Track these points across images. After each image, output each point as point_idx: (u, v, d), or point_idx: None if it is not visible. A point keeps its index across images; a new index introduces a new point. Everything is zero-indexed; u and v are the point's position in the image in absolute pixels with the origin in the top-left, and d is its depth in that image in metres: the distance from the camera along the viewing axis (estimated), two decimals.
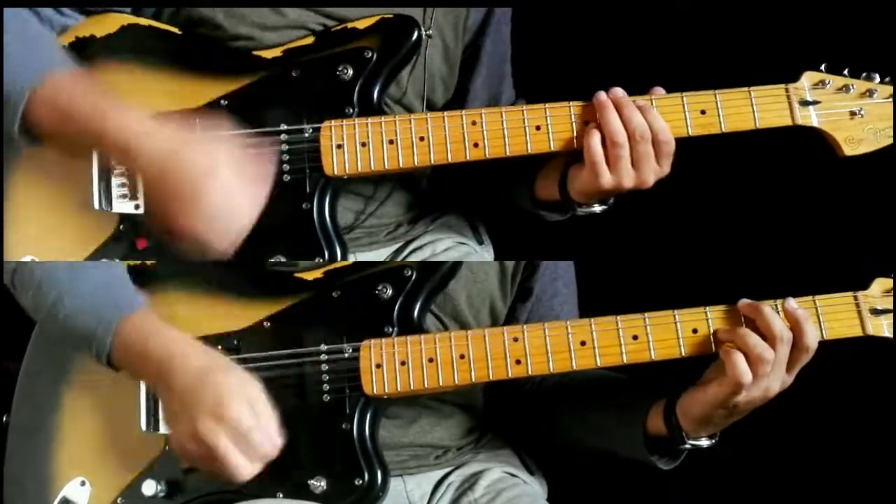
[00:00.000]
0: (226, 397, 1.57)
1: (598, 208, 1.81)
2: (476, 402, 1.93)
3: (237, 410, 1.57)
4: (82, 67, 1.72)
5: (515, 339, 1.70)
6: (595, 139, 1.72)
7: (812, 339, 1.65)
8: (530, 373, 1.70)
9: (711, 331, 1.69)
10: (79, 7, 1.78)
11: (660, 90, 1.77)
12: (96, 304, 1.68)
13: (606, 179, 1.72)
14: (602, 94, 1.74)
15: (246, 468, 1.58)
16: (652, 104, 1.74)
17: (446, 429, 1.87)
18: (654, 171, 1.73)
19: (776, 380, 1.65)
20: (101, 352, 1.65)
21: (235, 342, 1.73)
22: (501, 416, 1.97)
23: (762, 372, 1.63)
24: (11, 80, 1.64)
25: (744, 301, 1.69)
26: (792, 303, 1.68)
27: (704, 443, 1.72)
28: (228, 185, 1.60)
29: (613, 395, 1.83)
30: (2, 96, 1.64)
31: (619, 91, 1.74)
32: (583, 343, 1.70)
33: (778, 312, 1.67)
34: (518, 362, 1.70)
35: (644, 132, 1.71)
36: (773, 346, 1.63)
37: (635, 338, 1.70)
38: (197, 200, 1.59)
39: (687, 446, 1.72)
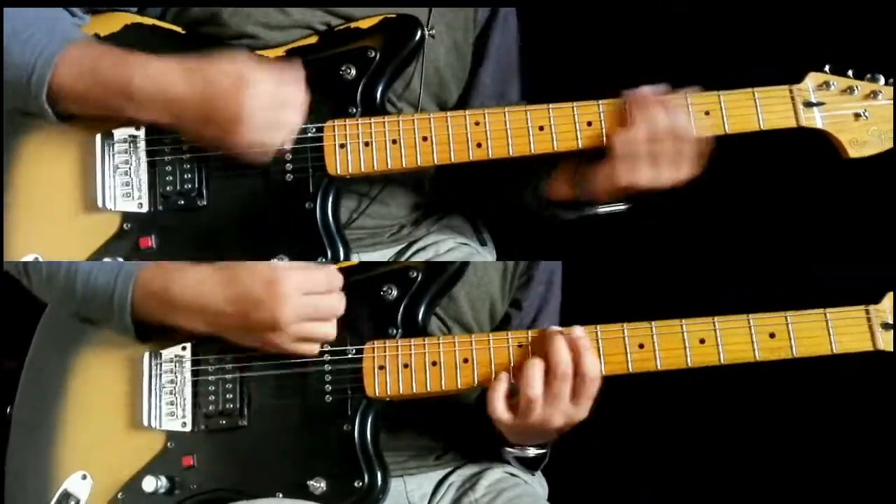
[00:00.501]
0: (275, 312, 1.63)
1: (622, 206, 1.80)
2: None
3: (289, 312, 1.63)
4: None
5: (520, 346, 1.69)
6: (632, 135, 1.71)
7: (591, 368, 1.63)
8: None
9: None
10: (85, 7, 1.79)
11: (692, 89, 1.76)
12: (107, 267, 1.70)
13: (644, 174, 1.71)
14: (645, 90, 1.73)
15: (329, 334, 1.69)
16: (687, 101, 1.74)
17: (446, 430, 1.87)
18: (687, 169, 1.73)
19: (557, 414, 1.64)
20: (124, 303, 1.67)
21: None
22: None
23: (533, 406, 1.63)
24: (39, 50, 1.69)
25: (551, 328, 1.68)
26: (577, 331, 1.66)
27: (531, 452, 1.75)
28: (263, 89, 1.65)
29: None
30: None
31: (658, 89, 1.74)
32: None
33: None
34: (519, 368, 1.67)
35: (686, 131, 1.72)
36: (548, 381, 1.63)
37: (641, 346, 1.67)
38: (238, 117, 1.65)
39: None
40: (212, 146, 1.73)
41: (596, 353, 1.65)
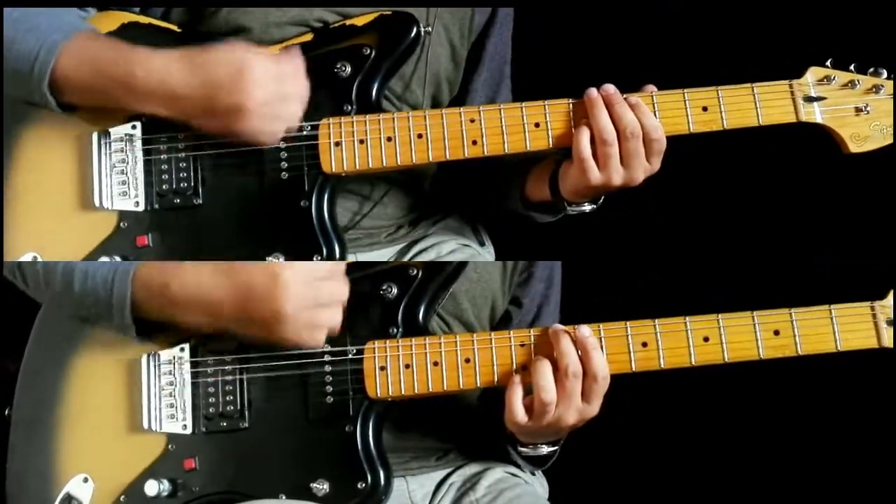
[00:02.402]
0: (280, 314, 1.63)
1: (587, 207, 1.80)
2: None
3: (293, 302, 1.62)
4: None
5: (522, 345, 1.69)
6: (584, 136, 1.71)
7: (599, 367, 1.63)
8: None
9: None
10: (84, 6, 1.79)
11: (652, 88, 1.75)
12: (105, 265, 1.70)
13: (595, 177, 1.71)
14: (593, 91, 1.73)
15: (334, 321, 1.67)
16: (653, 100, 1.73)
17: (447, 430, 1.87)
18: (644, 169, 1.72)
19: (570, 412, 1.64)
20: (123, 300, 1.66)
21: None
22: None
23: (548, 409, 1.63)
24: (42, 39, 1.69)
25: (555, 327, 1.68)
26: (584, 330, 1.66)
27: (545, 450, 1.74)
28: (264, 77, 1.65)
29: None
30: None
31: (610, 88, 1.73)
32: None
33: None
34: (525, 368, 1.68)
35: (635, 129, 1.70)
36: (559, 380, 1.63)
37: (645, 344, 1.67)
38: (239, 106, 1.65)
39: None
40: (214, 136, 1.72)
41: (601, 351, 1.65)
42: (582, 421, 1.66)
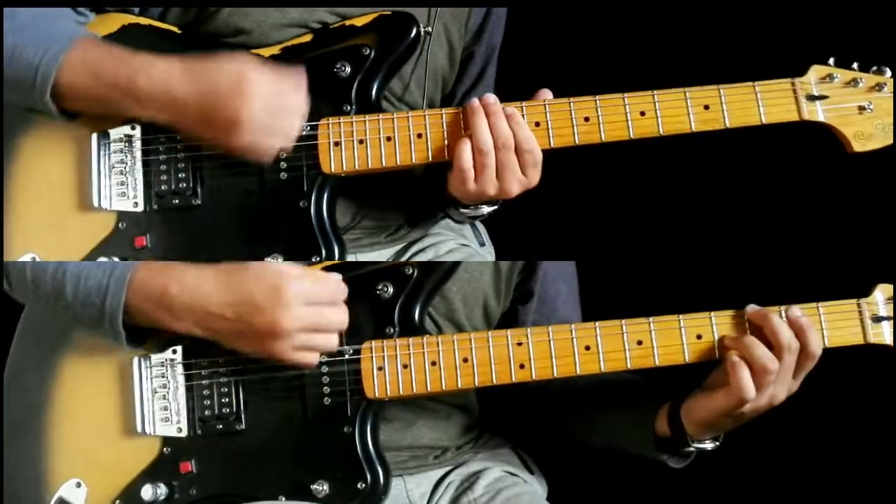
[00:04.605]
0: (278, 316, 1.61)
1: (486, 209, 1.78)
2: (472, 401, 1.92)
3: (291, 320, 1.61)
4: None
5: (519, 344, 1.68)
6: (466, 146, 1.70)
7: (816, 346, 1.64)
8: (534, 377, 1.68)
9: (716, 337, 1.68)
10: (86, 7, 1.79)
11: (547, 92, 1.74)
12: (99, 267, 1.68)
13: (471, 186, 1.71)
14: (475, 101, 1.72)
15: (330, 346, 1.67)
16: (523, 111, 1.72)
17: (444, 429, 1.86)
18: (518, 181, 1.71)
19: (782, 388, 1.65)
20: (117, 306, 1.64)
21: None
22: (500, 415, 1.95)
23: (766, 382, 1.63)
24: (43, 49, 1.69)
25: (751, 307, 1.68)
26: (796, 311, 1.66)
27: (709, 445, 1.71)
28: (264, 91, 1.65)
29: (622, 395, 1.81)
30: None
31: (490, 97, 1.72)
32: (587, 348, 1.68)
33: (783, 318, 1.66)
34: (522, 366, 1.68)
35: (507, 140, 1.69)
36: (779, 355, 1.63)
37: (640, 343, 1.68)
38: (237, 119, 1.64)
39: (691, 449, 1.71)
40: (211, 147, 1.72)
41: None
42: (770, 406, 1.65)
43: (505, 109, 1.70)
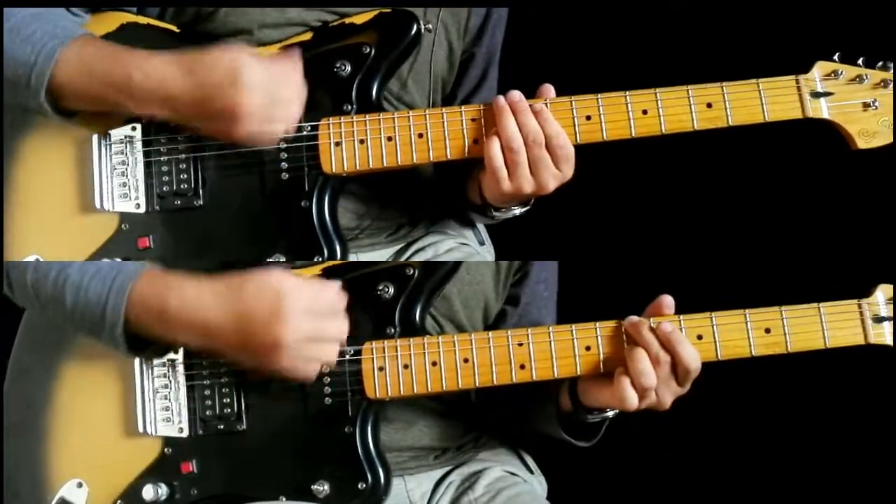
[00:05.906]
0: (275, 327, 1.60)
1: (518, 210, 1.79)
2: (472, 402, 1.92)
3: (291, 333, 1.60)
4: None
5: (520, 344, 1.68)
6: (495, 144, 1.70)
7: (689, 358, 1.64)
8: (534, 378, 1.68)
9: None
10: (84, 6, 1.79)
11: (549, 88, 1.73)
12: (101, 268, 1.68)
13: (506, 185, 1.70)
14: (500, 99, 1.71)
15: (331, 357, 1.66)
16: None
17: (445, 430, 1.86)
18: (553, 176, 1.70)
19: (667, 395, 1.66)
20: (116, 319, 1.63)
21: None
22: (500, 416, 1.95)
23: (647, 394, 1.63)
24: (38, 48, 1.68)
25: (630, 319, 1.67)
26: (666, 326, 1.65)
27: (610, 413, 1.73)
28: (259, 80, 1.64)
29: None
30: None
31: (515, 95, 1.71)
32: (587, 348, 1.68)
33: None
34: (522, 367, 1.68)
35: (537, 136, 1.69)
36: (654, 368, 1.63)
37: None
38: (235, 109, 1.64)
39: (593, 421, 1.74)
40: (212, 139, 1.72)
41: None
42: (662, 407, 1.67)
43: (533, 106, 1.70)
